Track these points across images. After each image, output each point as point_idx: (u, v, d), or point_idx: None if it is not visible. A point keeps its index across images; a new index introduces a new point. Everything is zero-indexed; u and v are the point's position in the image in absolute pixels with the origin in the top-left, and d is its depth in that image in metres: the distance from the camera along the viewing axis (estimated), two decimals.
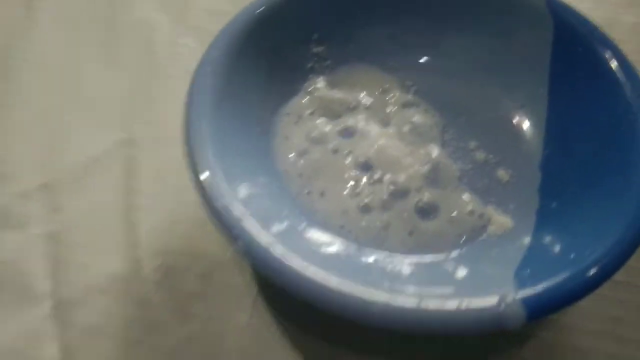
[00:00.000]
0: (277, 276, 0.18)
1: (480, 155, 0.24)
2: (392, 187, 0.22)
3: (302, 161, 0.23)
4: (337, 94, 0.25)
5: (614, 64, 0.22)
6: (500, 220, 0.22)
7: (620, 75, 0.21)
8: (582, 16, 0.23)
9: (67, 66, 0.29)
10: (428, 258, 0.20)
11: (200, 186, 0.19)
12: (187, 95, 0.21)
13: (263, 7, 0.23)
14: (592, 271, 0.18)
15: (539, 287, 0.17)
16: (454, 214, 0.22)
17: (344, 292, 0.17)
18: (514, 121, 0.24)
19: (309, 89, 0.25)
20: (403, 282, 0.19)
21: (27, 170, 0.25)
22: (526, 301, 0.17)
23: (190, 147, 0.20)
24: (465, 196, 0.22)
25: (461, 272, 0.19)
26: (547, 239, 0.20)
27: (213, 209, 0.18)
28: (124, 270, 0.23)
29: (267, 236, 0.18)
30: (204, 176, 0.19)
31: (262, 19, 0.23)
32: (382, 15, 0.25)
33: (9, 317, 0.22)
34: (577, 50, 0.23)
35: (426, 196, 0.22)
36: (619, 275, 0.18)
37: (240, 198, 0.19)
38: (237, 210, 0.18)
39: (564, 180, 0.22)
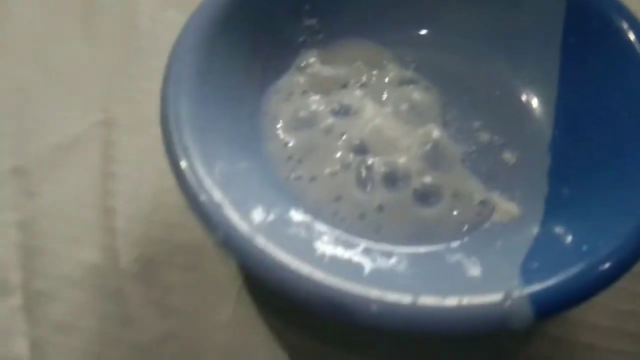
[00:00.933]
0: (259, 270, 0.16)
1: (484, 136, 0.22)
2: (388, 171, 0.20)
3: (291, 143, 0.21)
4: (330, 70, 0.23)
5: (633, 38, 0.20)
6: (506, 207, 0.20)
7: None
8: None
9: (43, 40, 0.27)
10: (426, 249, 0.19)
11: (177, 172, 0.17)
12: (164, 74, 0.19)
13: None
14: (608, 264, 0.16)
15: (549, 282, 0.15)
16: (456, 200, 0.20)
17: (332, 287, 0.15)
18: (522, 99, 0.22)
19: (301, 65, 0.23)
20: (398, 275, 0.17)
21: None
22: (534, 297, 0.15)
23: (166, 130, 0.18)
24: (468, 181, 0.21)
25: (462, 265, 0.17)
26: (557, 228, 0.18)
27: (190, 197, 0.17)
28: (100, 262, 0.21)
29: (249, 226, 0.16)
30: (181, 162, 0.17)
31: None
32: None
33: None
34: (591, 22, 0.21)
35: (425, 181, 0.20)
36: (635, 266, 0.16)
37: (220, 185, 0.17)
38: (216, 197, 0.17)
39: (576, 163, 0.20)
